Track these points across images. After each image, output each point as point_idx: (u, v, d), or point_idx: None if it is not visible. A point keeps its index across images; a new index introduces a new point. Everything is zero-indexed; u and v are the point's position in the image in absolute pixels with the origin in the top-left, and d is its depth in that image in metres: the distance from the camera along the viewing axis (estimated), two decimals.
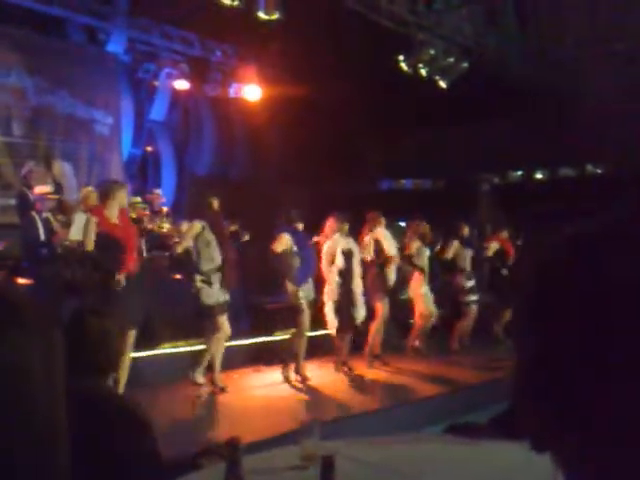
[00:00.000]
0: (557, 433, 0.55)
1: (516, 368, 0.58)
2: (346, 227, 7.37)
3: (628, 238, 0.54)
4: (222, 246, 6.47)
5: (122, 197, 5.94)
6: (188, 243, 6.45)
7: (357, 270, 7.37)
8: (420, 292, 8.38)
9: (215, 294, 6.37)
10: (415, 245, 8.45)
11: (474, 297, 8.90)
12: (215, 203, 6.66)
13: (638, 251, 0.52)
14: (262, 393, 6.70)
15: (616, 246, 0.53)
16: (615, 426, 0.51)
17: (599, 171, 14.60)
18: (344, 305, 7.27)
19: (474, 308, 8.88)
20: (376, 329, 7.80)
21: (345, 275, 7.26)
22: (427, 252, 8.54)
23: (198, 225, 6.41)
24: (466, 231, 9.01)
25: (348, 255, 7.30)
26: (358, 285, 7.36)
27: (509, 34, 12.96)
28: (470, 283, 8.90)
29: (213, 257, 6.41)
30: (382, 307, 7.78)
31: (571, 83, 13.17)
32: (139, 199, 9.51)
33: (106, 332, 2.23)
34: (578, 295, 0.53)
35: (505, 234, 9.46)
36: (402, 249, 8.34)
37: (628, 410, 0.50)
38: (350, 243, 7.39)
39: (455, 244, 8.85)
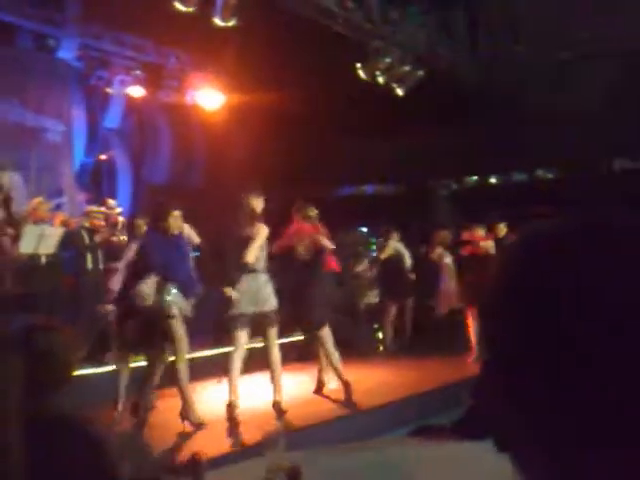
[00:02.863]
0: (519, 433, 0.54)
1: (480, 367, 0.58)
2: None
3: (587, 242, 0.54)
4: None
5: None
6: None
7: None
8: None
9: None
10: (438, 251, 9.32)
11: None
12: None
13: (588, 259, 0.53)
14: (225, 405, 6.60)
15: (571, 251, 0.54)
16: (578, 425, 0.51)
17: (550, 176, 14.96)
18: None
19: None
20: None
21: None
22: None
23: None
24: None
25: None
26: None
27: (461, 43, 13.19)
28: None
29: None
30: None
31: (522, 90, 13.45)
32: (95, 208, 9.31)
33: (53, 348, 2.14)
34: (529, 295, 0.54)
35: None
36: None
37: (590, 409, 0.50)
38: None
39: None
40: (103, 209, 9.22)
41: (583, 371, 0.50)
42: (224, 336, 7.92)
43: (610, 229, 0.55)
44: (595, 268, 0.52)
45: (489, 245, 8.74)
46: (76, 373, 2.29)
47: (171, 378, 6.07)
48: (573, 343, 0.50)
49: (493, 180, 15.55)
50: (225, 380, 6.53)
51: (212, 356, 7.97)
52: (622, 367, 0.49)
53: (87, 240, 8.40)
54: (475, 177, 15.54)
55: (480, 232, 8.92)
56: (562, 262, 0.54)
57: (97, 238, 8.56)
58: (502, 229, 9.10)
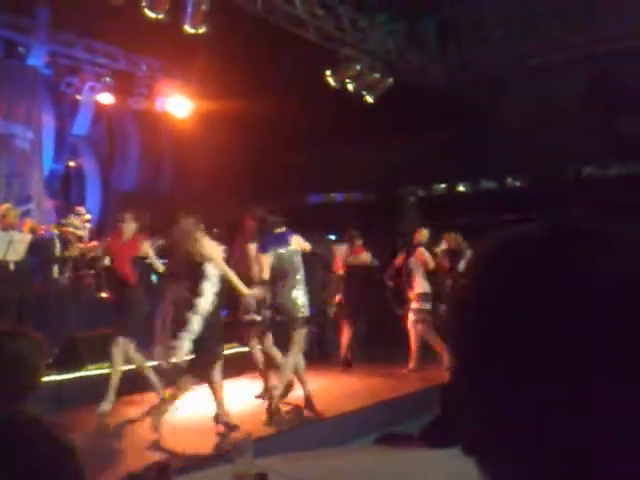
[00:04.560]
0: (486, 435, 0.55)
1: (450, 373, 0.59)
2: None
3: (563, 246, 0.55)
4: None
5: None
6: None
7: None
8: None
9: None
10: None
11: None
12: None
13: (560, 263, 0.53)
14: (192, 412, 6.58)
15: (546, 256, 0.54)
16: (540, 426, 0.52)
17: (518, 184, 15.07)
18: None
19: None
20: None
21: None
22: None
23: None
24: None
25: None
26: None
27: (431, 51, 13.33)
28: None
29: None
30: None
31: (491, 98, 13.62)
32: (73, 219, 9.34)
33: (21, 353, 2.13)
34: (504, 301, 0.54)
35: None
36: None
37: (552, 409, 0.52)
38: None
39: None
40: (73, 218, 9.22)
41: (565, 375, 0.51)
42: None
43: (583, 231, 0.55)
44: (579, 271, 0.52)
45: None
46: (43, 379, 2.29)
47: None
48: (555, 347, 0.51)
49: (461, 188, 15.65)
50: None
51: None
52: (604, 371, 0.51)
53: (59, 249, 8.37)
54: (443, 185, 15.64)
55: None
56: (541, 266, 0.54)
57: (74, 250, 8.53)
58: (424, 234, 8.97)
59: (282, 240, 6.38)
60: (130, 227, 6.66)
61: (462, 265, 8.75)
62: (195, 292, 5.66)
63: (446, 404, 0.60)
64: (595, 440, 0.51)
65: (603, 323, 0.51)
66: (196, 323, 5.61)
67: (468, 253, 8.92)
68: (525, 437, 0.53)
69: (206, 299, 5.64)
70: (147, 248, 6.72)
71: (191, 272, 5.77)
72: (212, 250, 5.85)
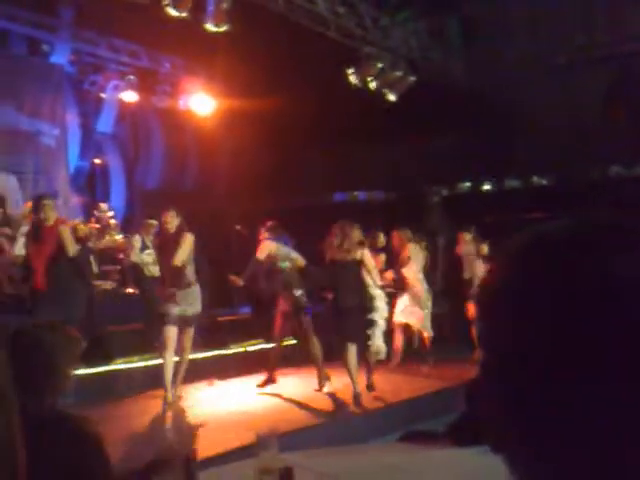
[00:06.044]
0: (516, 434, 0.56)
1: (479, 370, 0.59)
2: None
3: (592, 244, 0.55)
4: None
5: None
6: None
7: None
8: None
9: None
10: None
11: None
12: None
13: (598, 258, 0.54)
14: (217, 406, 6.63)
15: (580, 251, 0.55)
16: (572, 426, 0.52)
17: (544, 182, 14.94)
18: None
19: None
20: None
21: None
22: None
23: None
24: None
25: None
26: None
27: (454, 49, 13.26)
28: None
29: None
30: None
31: (515, 96, 13.51)
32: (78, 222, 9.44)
33: (57, 348, 2.15)
34: (540, 298, 0.55)
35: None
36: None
37: (567, 409, 0.52)
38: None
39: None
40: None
41: (581, 374, 0.52)
42: (213, 338, 8.03)
43: (607, 231, 0.56)
44: (598, 270, 0.53)
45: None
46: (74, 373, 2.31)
47: None
48: (571, 345, 0.52)
49: (486, 187, 15.54)
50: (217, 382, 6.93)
51: (203, 358, 8.01)
52: (618, 372, 0.51)
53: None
54: (468, 183, 15.54)
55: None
56: (566, 265, 0.54)
57: (92, 244, 8.61)
58: (381, 240, 8.80)
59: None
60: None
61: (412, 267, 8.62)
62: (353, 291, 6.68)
63: (471, 399, 0.60)
64: (609, 441, 0.51)
65: (619, 322, 0.51)
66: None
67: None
68: (544, 436, 0.53)
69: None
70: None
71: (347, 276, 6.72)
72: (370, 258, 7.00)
